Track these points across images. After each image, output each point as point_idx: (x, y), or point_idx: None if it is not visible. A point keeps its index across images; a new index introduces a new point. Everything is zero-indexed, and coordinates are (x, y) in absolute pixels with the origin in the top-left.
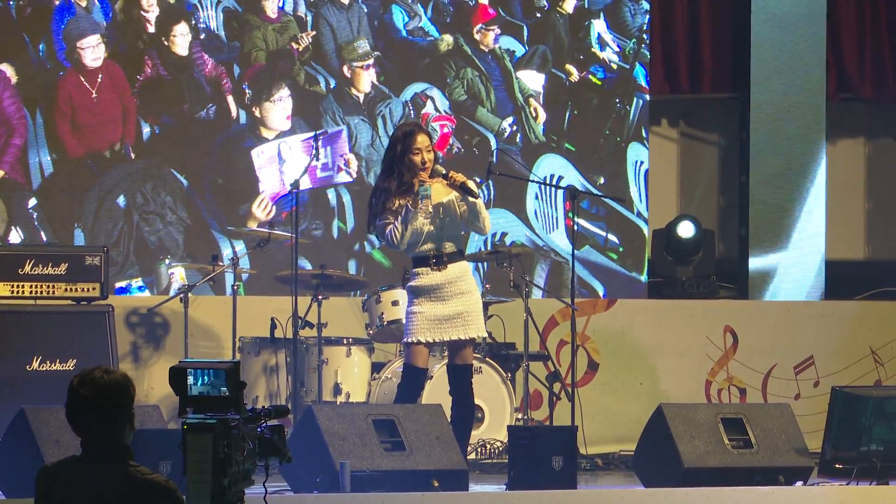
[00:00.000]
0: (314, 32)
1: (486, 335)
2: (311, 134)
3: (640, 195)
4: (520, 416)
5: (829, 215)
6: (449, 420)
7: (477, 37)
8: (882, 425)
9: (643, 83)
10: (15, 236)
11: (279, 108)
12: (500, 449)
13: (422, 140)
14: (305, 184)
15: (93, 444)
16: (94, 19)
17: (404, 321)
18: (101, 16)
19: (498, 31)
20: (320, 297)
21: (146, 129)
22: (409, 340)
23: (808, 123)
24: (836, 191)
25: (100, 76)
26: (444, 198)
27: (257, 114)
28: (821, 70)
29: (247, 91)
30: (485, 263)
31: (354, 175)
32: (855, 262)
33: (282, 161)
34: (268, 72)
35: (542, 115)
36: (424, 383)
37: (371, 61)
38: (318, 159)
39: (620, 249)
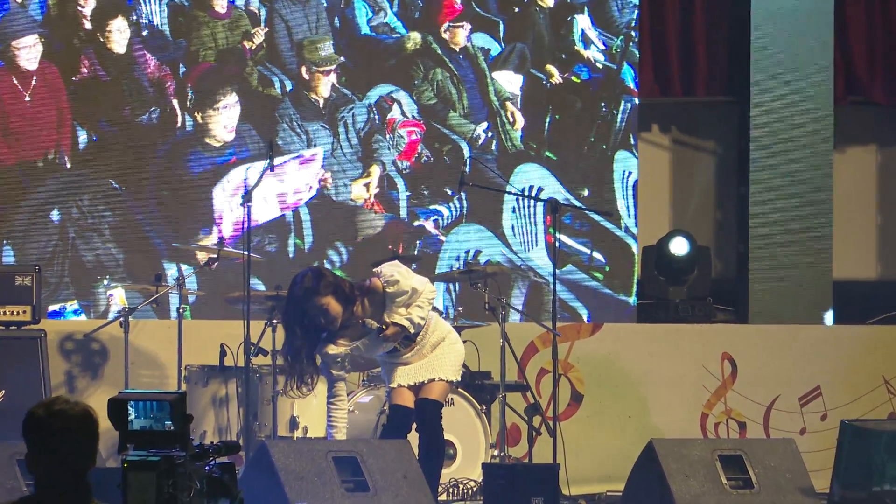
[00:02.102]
0: (267, 29)
1: (457, 380)
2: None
3: (628, 209)
4: (496, 452)
5: (836, 230)
6: (417, 457)
7: (446, 35)
8: (895, 462)
9: (631, 85)
10: None
11: (224, 117)
12: (474, 489)
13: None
14: (274, 211)
15: (55, 482)
16: (30, 16)
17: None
18: (39, 11)
19: (469, 27)
20: (275, 321)
21: (83, 136)
22: (392, 385)
23: (813, 129)
24: (844, 203)
25: (34, 79)
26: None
27: (199, 120)
28: (827, 71)
29: (189, 94)
30: (457, 284)
31: (330, 187)
32: (866, 283)
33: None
34: (215, 73)
35: (520, 121)
36: (412, 423)
37: (334, 66)
38: (272, 170)
39: (607, 269)
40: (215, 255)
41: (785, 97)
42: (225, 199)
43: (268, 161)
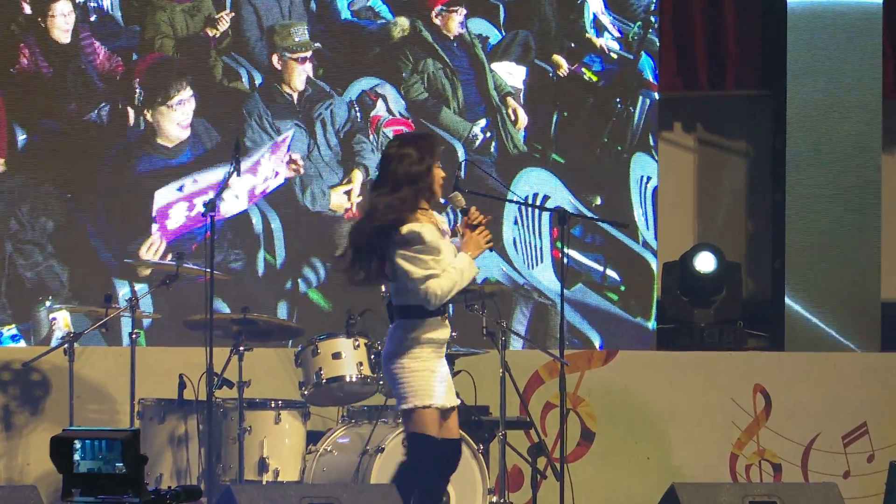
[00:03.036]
0: (234, 14)
1: None
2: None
3: (646, 219)
4: (495, 498)
5: (886, 243)
6: None
7: (437, 21)
8: None
9: (650, 78)
10: None
11: (178, 114)
12: None
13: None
14: (242, 204)
15: None
16: None
17: (407, 380)
18: None
19: (464, 12)
20: (242, 349)
21: (21, 137)
22: (436, 405)
23: (860, 128)
24: (895, 212)
25: None
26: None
27: (149, 118)
28: (876, 61)
29: (137, 89)
30: (451, 306)
31: (302, 172)
32: None
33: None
34: (169, 64)
35: (523, 119)
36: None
37: (309, 53)
38: (238, 174)
39: (622, 288)
40: (174, 273)
41: (826, 90)
42: (171, 197)
43: (233, 163)
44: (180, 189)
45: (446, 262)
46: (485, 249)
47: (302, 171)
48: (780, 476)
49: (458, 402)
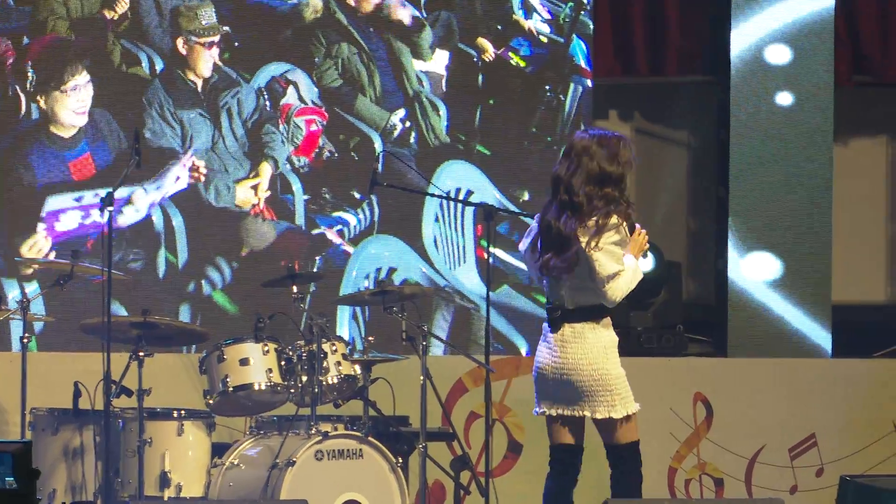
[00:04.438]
0: None
1: None
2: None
3: None
4: None
5: (837, 243)
6: None
7: (352, 1)
8: None
9: (583, 63)
10: None
11: (73, 100)
12: None
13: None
14: (142, 214)
15: None
16: None
17: (612, 387)
18: None
19: None
20: (142, 354)
21: None
22: (636, 411)
23: (810, 117)
24: (848, 209)
25: None
26: None
27: (42, 104)
28: (828, 46)
29: (30, 74)
30: (366, 308)
31: (203, 180)
32: (872, 307)
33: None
34: (63, 47)
35: (445, 108)
36: None
37: (217, 38)
38: (138, 166)
39: None
40: (68, 272)
41: (775, 77)
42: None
43: (133, 156)
44: (78, 199)
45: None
46: (645, 249)
47: (203, 178)
48: (722, 491)
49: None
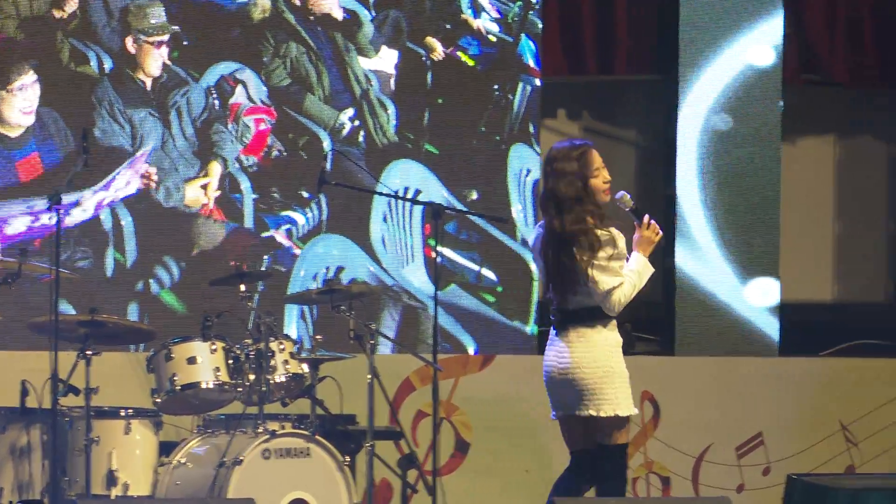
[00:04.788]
0: None
1: None
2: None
3: (526, 215)
4: None
5: (785, 241)
6: None
7: (297, 1)
8: None
9: (532, 62)
10: None
11: (19, 100)
12: None
13: (597, 157)
14: (89, 214)
15: None
16: None
17: (605, 387)
18: None
19: None
20: (89, 353)
21: None
22: (630, 414)
23: (758, 116)
24: (795, 207)
25: None
26: None
27: None
28: (776, 44)
29: None
30: (314, 307)
31: (154, 187)
32: (820, 306)
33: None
34: (10, 47)
35: (394, 107)
36: None
37: (167, 37)
38: (87, 165)
39: (499, 290)
40: (15, 270)
41: (723, 75)
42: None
43: (82, 155)
44: (29, 207)
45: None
46: (656, 242)
47: (154, 184)
48: (669, 490)
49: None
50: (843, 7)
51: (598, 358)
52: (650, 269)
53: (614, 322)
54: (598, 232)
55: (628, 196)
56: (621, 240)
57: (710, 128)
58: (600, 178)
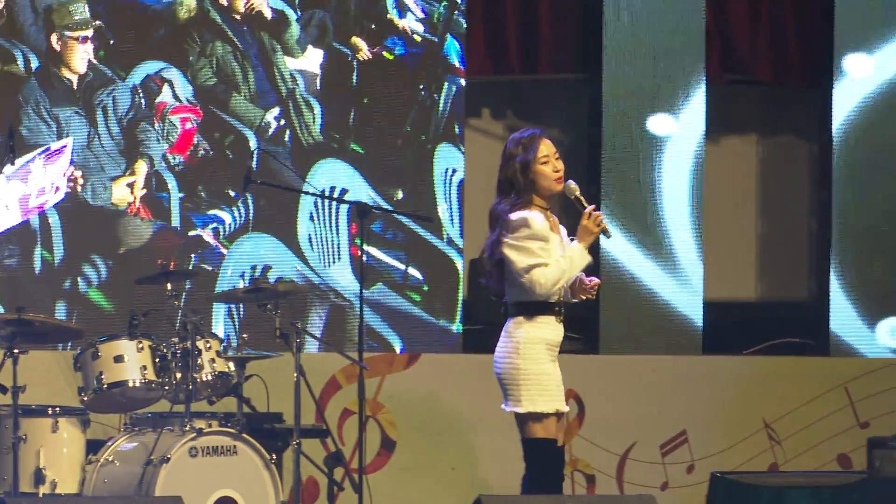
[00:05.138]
0: None
1: None
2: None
3: (451, 215)
4: None
5: (707, 240)
6: None
7: (224, 2)
8: None
9: (457, 62)
10: None
11: None
12: None
13: (548, 146)
14: (15, 217)
15: None
16: None
17: (520, 382)
18: None
19: None
20: (16, 351)
21: None
22: (547, 410)
23: (680, 114)
24: (717, 206)
25: None
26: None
27: None
28: (698, 43)
29: None
30: (241, 306)
31: (80, 190)
32: (743, 304)
33: None
34: None
35: (319, 106)
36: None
37: (90, 32)
38: (12, 163)
39: (425, 288)
40: None
41: (645, 75)
42: None
43: (8, 153)
44: None
45: (556, 253)
46: (598, 233)
47: (80, 188)
48: (593, 488)
49: (567, 408)
50: (765, 6)
51: (510, 354)
52: (586, 258)
53: (545, 318)
54: (512, 214)
55: (574, 184)
56: (536, 222)
57: (633, 125)
58: (549, 167)
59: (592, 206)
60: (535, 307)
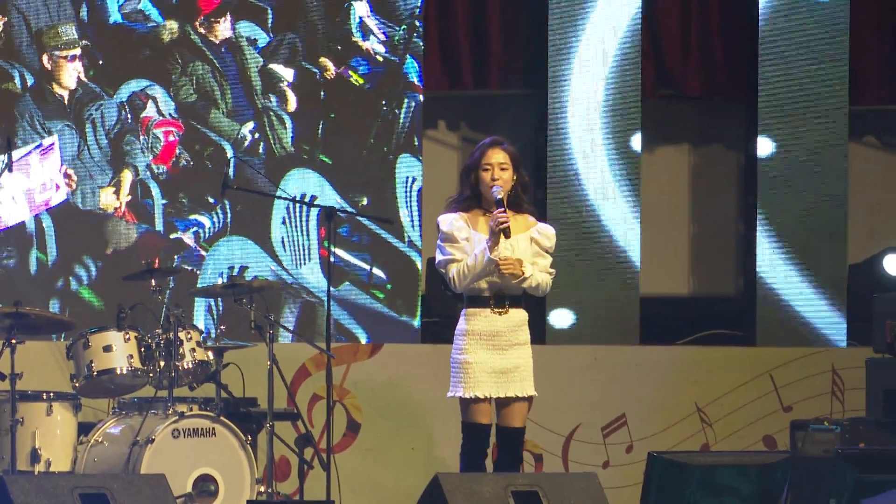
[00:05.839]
0: (5, 19)
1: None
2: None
3: (412, 219)
4: (262, 488)
5: (644, 239)
6: (196, 492)
7: (202, 30)
8: (710, 500)
9: (416, 80)
10: None
11: None
12: None
13: (494, 155)
14: (23, 212)
15: None
16: None
17: (453, 370)
18: None
19: (230, 19)
20: (14, 342)
21: None
22: (467, 395)
23: (619, 127)
24: (653, 209)
25: None
26: (522, 232)
27: None
28: (634, 60)
29: None
30: (219, 300)
31: (74, 188)
32: (676, 299)
33: None
34: None
35: (291, 121)
36: (489, 441)
37: (78, 51)
38: (10, 170)
39: (388, 287)
40: None
41: (586, 89)
42: None
43: (5, 159)
44: None
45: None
46: (498, 232)
47: (75, 185)
48: (541, 466)
49: (505, 394)
50: (695, 27)
51: (454, 343)
52: (484, 258)
53: (475, 311)
54: (439, 217)
55: (496, 190)
56: (444, 223)
57: (577, 138)
58: (489, 174)
59: (500, 210)
60: (467, 301)
